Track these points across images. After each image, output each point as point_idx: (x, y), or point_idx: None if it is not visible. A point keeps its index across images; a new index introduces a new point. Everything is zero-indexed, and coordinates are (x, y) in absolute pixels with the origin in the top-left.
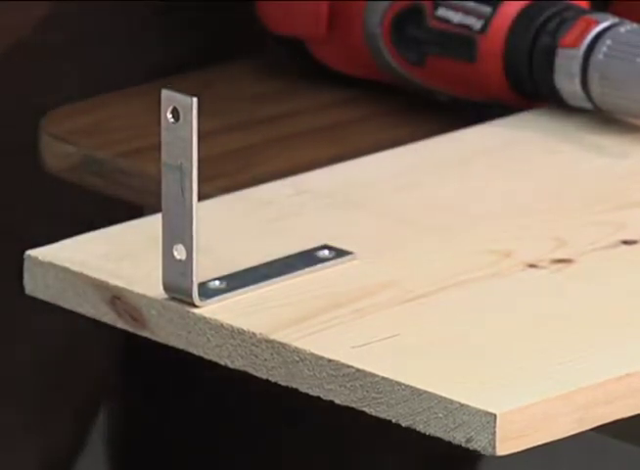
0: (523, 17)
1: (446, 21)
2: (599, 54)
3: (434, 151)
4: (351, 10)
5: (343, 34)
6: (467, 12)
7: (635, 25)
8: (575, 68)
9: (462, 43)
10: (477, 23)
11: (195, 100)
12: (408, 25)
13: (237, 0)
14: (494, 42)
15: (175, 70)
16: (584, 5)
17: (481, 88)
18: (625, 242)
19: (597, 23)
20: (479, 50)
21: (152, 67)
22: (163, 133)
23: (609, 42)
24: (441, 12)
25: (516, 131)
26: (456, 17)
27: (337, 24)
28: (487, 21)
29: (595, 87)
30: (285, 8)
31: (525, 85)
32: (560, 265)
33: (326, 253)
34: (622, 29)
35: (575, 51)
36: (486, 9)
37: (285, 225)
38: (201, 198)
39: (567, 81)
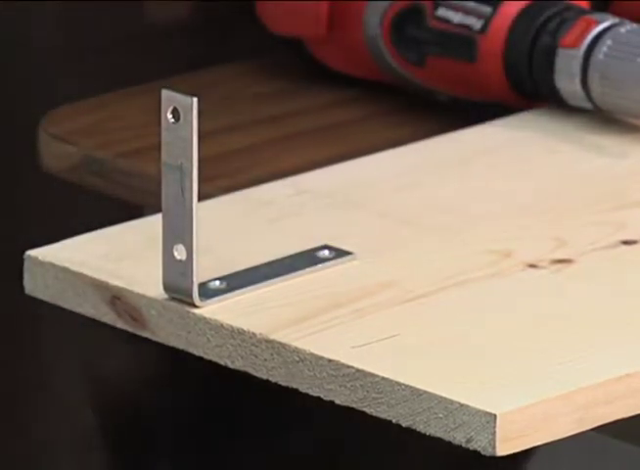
0: (523, 17)
1: (446, 21)
2: (599, 54)
3: (435, 151)
4: (351, 10)
5: (343, 34)
6: (467, 12)
7: (635, 26)
8: (576, 68)
9: (462, 43)
10: (477, 23)
11: (195, 100)
12: (408, 25)
13: (236, 0)
14: (494, 42)
15: (175, 71)
16: (584, 5)
17: (482, 88)
18: (625, 242)
19: (597, 23)
20: (479, 50)
21: (152, 67)
22: (164, 133)
23: (609, 42)
24: (441, 12)
25: (516, 131)
26: (456, 17)
27: (337, 25)
28: (487, 21)
29: (595, 87)
30: (284, 8)
31: (525, 85)
32: (560, 265)
33: (326, 253)
34: (623, 29)
35: (576, 51)
36: (487, 9)
37: (285, 225)
38: (201, 198)
39: (567, 81)
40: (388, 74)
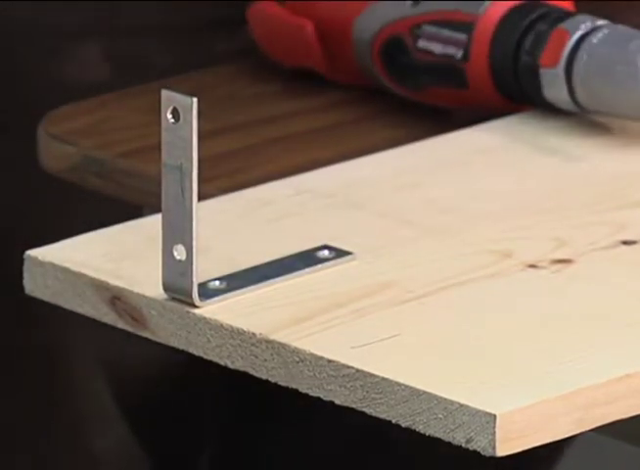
0: (498, 40)
1: (429, 52)
2: (579, 71)
3: (434, 151)
4: (339, 41)
5: (339, 63)
6: (445, 41)
7: (606, 30)
8: (560, 84)
9: (450, 72)
10: (457, 52)
11: (195, 100)
12: (396, 56)
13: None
14: (479, 67)
15: (175, 71)
16: (565, 5)
17: (481, 107)
18: (625, 242)
19: (569, 34)
20: (467, 77)
21: (152, 67)
22: (164, 133)
23: (585, 58)
24: (422, 44)
25: (516, 131)
26: (437, 47)
27: (330, 56)
28: (466, 48)
29: (583, 100)
30: (278, 45)
31: (519, 99)
32: (560, 265)
33: (326, 253)
34: (595, 40)
35: (556, 70)
36: (461, 36)
37: (285, 225)
38: (201, 198)
39: (555, 95)
40: (389, 91)
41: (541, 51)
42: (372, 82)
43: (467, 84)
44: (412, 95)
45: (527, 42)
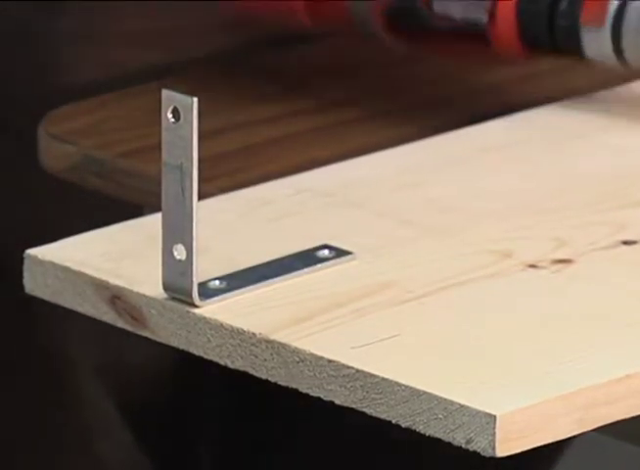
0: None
1: (447, 17)
2: (628, 32)
3: (435, 150)
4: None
5: (326, 12)
6: (465, 6)
7: None
8: (606, 44)
9: (473, 35)
10: (482, 17)
11: (195, 100)
12: (407, 19)
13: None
14: (507, 30)
15: (175, 71)
16: None
17: (505, 62)
18: (625, 242)
19: None
20: (494, 38)
21: (152, 67)
22: (164, 133)
23: (634, 17)
24: (438, 8)
25: (516, 130)
26: (457, 11)
27: (320, 22)
28: (491, 11)
29: (632, 58)
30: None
31: (553, 55)
32: (560, 265)
33: (326, 252)
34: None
35: (601, 29)
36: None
37: (285, 225)
38: (201, 198)
39: (599, 53)
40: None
41: (580, 11)
42: (364, 32)
43: (492, 44)
44: (425, 52)
45: (563, 4)
